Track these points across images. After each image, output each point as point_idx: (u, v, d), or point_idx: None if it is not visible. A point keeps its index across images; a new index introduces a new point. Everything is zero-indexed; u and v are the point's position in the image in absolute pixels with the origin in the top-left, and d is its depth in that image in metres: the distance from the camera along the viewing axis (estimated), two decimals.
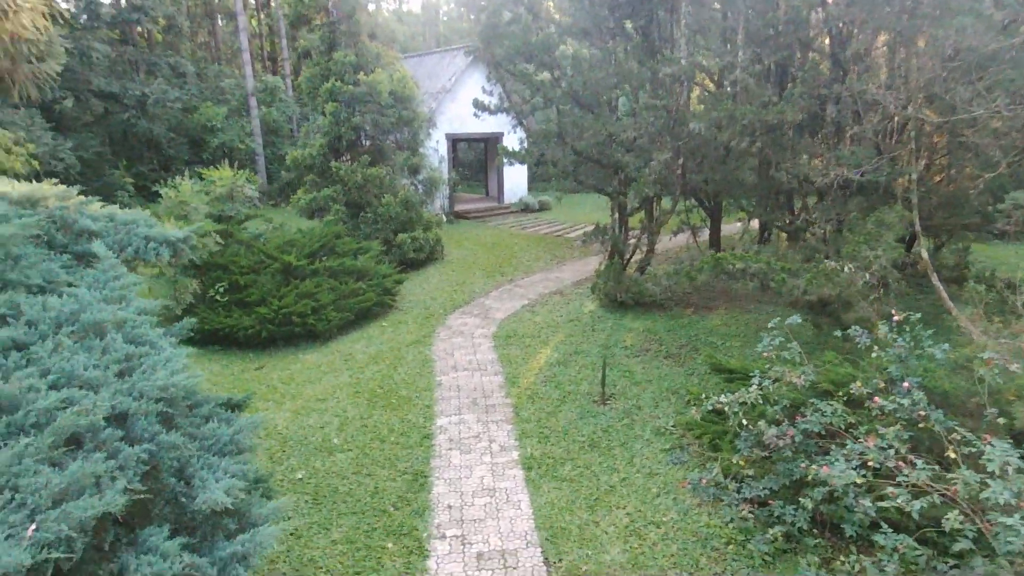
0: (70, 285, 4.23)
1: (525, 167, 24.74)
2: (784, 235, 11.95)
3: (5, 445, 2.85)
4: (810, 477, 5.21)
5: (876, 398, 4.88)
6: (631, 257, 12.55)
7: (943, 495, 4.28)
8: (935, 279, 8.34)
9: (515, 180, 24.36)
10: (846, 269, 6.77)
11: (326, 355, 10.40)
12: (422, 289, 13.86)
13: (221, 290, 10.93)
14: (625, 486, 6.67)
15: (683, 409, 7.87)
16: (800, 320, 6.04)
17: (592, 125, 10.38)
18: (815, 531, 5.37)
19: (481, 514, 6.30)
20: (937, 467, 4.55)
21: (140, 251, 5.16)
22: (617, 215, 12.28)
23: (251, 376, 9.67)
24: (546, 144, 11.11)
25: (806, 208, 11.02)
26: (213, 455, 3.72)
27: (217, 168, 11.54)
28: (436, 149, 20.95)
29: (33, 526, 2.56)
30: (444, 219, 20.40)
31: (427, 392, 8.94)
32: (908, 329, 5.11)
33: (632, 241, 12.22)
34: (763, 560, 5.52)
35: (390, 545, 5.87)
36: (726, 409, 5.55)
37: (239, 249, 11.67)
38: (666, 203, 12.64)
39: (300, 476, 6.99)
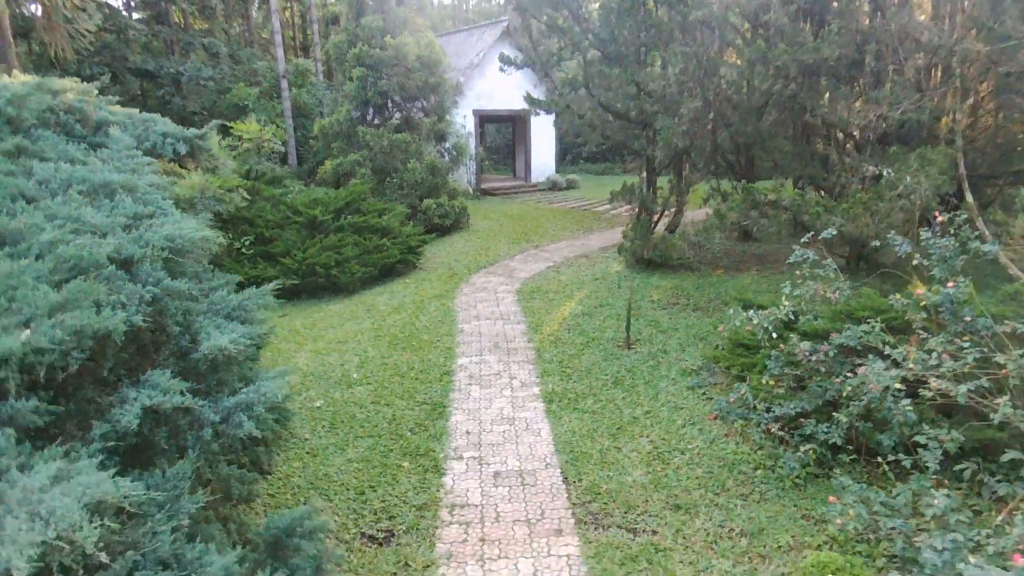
0: (84, 164, 4.20)
1: (553, 147, 24.55)
2: (821, 193, 11.55)
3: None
4: (845, 393, 4.94)
5: (918, 290, 4.58)
6: (659, 218, 12.27)
7: (991, 377, 3.98)
8: (980, 223, 7.92)
9: (542, 160, 24.16)
10: (886, 197, 6.43)
11: (349, 306, 10.36)
12: (446, 252, 13.77)
13: (247, 243, 10.98)
14: (649, 418, 6.45)
15: (711, 353, 7.60)
16: (835, 232, 5.74)
17: (620, 76, 10.14)
18: (849, 448, 5.08)
19: (500, 439, 6.15)
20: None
21: (157, 146, 5.14)
22: (645, 173, 12.01)
23: (274, 322, 9.65)
24: (572, 94, 10.89)
25: (843, 162, 10.62)
26: (221, 317, 3.63)
27: (243, 122, 11.61)
28: (464, 125, 20.87)
29: (28, 330, 2.49)
30: (471, 191, 20.33)
31: (448, 337, 8.83)
32: (953, 231, 4.79)
33: (660, 201, 11.93)
34: (793, 483, 5.25)
35: (406, 464, 5.76)
36: (755, 326, 5.29)
37: (265, 206, 11.71)
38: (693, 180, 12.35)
39: (319, 405, 6.92)
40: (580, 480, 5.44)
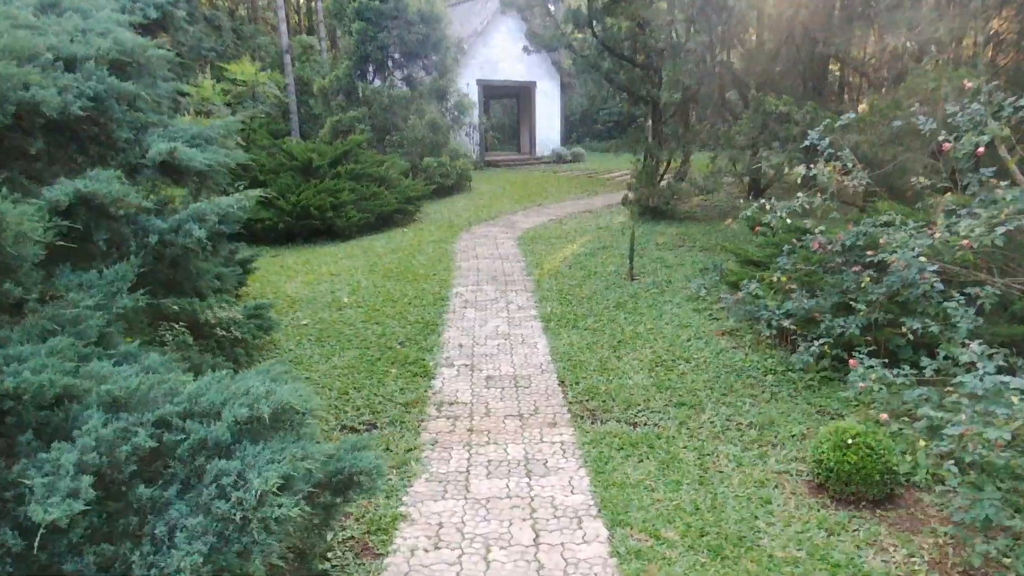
0: None
1: (558, 123, 24.18)
2: None
3: None
4: (863, 285, 4.57)
5: (945, 144, 4.21)
6: (666, 168, 11.90)
7: None
8: (1003, 150, 7.51)
9: (547, 135, 23.78)
10: (905, 106, 6.04)
11: (344, 248, 10.05)
12: (447, 209, 13.44)
13: (240, 188, 10.65)
14: (652, 333, 6.11)
15: (718, 285, 7.24)
16: (854, 116, 5.37)
17: (624, 11, 9.78)
18: (867, 344, 4.71)
19: (494, 351, 5.82)
20: None
21: (125, 8, 4.81)
22: (650, 120, 11.63)
23: (265, 262, 9.36)
24: (574, 30, 10.53)
25: (856, 107, 10.21)
26: (182, 142, 3.31)
27: (238, 63, 11.31)
28: (467, 94, 20.52)
29: None
30: (474, 159, 19.99)
31: (445, 272, 8.50)
32: (984, 100, 4.42)
33: (666, 151, 11.56)
34: (806, 385, 4.90)
35: (394, 371, 5.43)
36: (771, 213, 4.92)
37: (261, 153, 11.42)
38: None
39: (306, 323, 6.61)
40: (577, 383, 5.10)
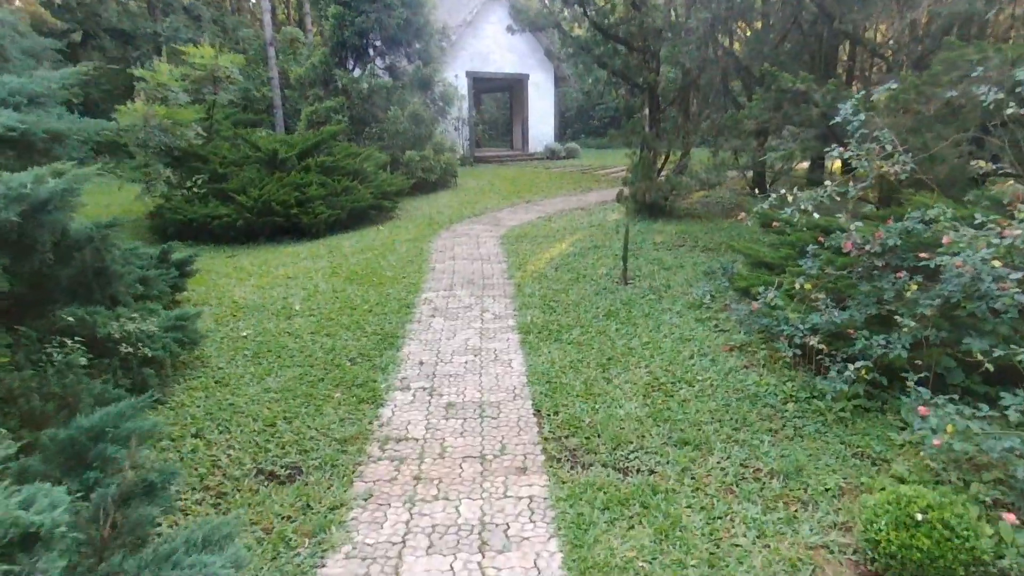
0: None
1: (552, 118, 23.23)
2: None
3: None
4: (910, 293, 3.66)
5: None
6: (665, 161, 10.98)
7: None
8: None
9: (541, 130, 22.84)
10: (944, 82, 5.15)
11: (309, 247, 9.11)
12: (429, 206, 12.52)
13: (199, 182, 9.74)
14: (648, 348, 5.18)
15: (723, 290, 6.31)
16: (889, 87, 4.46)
17: None
18: (914, 370, 3.79)
19: (460, 371, 4.89)
20: None
21: None
22: (648, 110, 10.72)
23: (220, 263, 8.43)
24: (563, 7, 9.61)
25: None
26: None
27: (197, 46, 10.35)
28: (453, 84, 19.60)
29: None
30: (462, 155, 19.09)
31: (416, 274, 7.57)
32: None
33: (664, 143, 10.64)
34: (837, 417, 3.98)
35: (337, 395, 4.51)
36: (791, 206, 4.01)
37: (223, 144, 10.48)
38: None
39: (245, 335, 5.67)
40: (556, 413, 4.18)
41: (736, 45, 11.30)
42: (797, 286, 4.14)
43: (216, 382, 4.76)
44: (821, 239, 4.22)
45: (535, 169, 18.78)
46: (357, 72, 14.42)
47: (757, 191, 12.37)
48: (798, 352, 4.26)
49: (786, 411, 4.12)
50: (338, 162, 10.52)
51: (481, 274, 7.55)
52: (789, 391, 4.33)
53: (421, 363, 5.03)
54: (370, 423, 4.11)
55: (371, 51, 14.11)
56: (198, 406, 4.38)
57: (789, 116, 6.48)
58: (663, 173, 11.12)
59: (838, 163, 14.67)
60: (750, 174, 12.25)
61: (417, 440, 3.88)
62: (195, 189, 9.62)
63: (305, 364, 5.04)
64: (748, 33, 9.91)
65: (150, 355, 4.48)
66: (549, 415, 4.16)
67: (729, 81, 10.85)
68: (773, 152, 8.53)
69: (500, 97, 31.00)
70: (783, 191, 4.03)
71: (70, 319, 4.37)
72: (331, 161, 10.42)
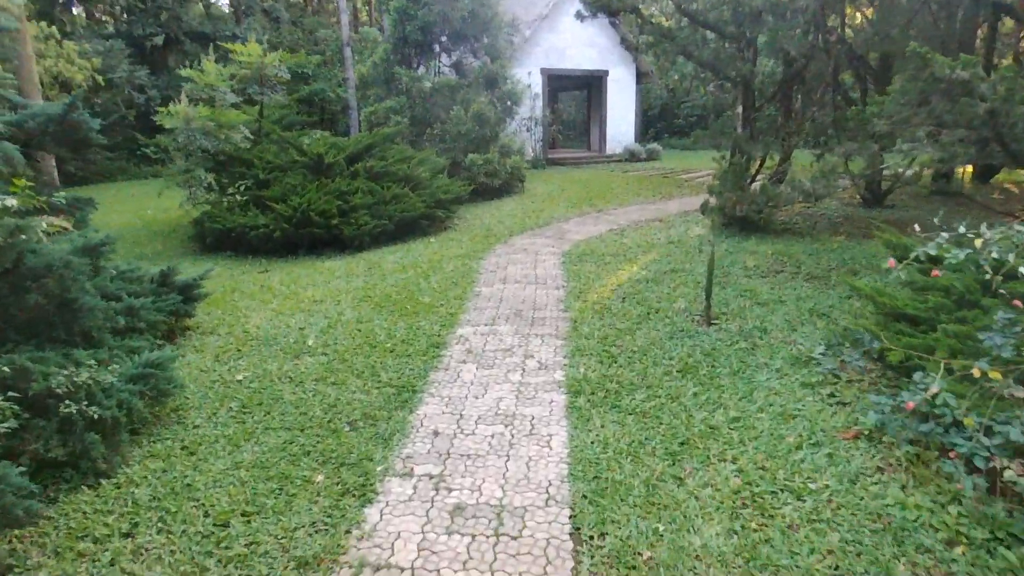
0: None
1: (633, 117, 21.68)
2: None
3: None
4: None
5: None
6: (759, 167, 9.43)
7: None
8: None
9: (620, 129, 21.36)
10: None
11: (348, 263, 8.25)
12: (489, 214, 11.46)
13: (242, 188, 9.10)
14: (737, 428, 3.85)
15: (835, 336, 4.84)
16: None
17: None
18: None
19: (482, 448, 3.74)
20: None
21: None
22: (741, 107, 9.19)
23: (250, 278, 7.69)
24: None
25: None
26: None
27: (244, 43, 9.74)
28: (522, 81, 18.50)
29: None
30: (534, 157, 17.99)
31: (456, 301, 6.50)
32: None
33: (760, 145, 9.08)
34: None
35: (320, 478, 3.47)
36: (970, 255, 2.61)
37: (271, 147, 9.83)
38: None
39: (240, 378, 4.77)
40: (603, 535, 2.96)
41: (848, 32, 9.57)
42: (976, 373, 2.72)
43: (183, 448, 3.84)
44: (1015, 299, 2.78)
45: (611, 172, 17.39)
46: (422, 71, 13.57)
47: (866, 203, 10.57)
48: (981, 482, 2.83)
49: (954, 562, 2.71)
50: (389, 167, 9.64)
51: (533, 303, 6.38)
52: (955, 523, 2.91)
53: (436, 433, 3.92)
54: (347, 532, 3.04)
55: (435, 47, 13.22)
56: (149, 484, 3.47)
57: (936, 113, 4.91)
58: (756, 180, 9.56)
59: (968, 169, 12.45)
60: (860, 182, 10.44)
61: (402, 572, 2.77)
62: (237, 196, 8.98)
63: (296, 426, 4.05)
64: (859, 19, 8.24)
65: (99, 417, 3.60)
66: (592, 538, 2.95)
67: (840, 73, 9.16)
68: (898, 158, 6.88)
69: (578, 95, 29.69)
70: (962, 229, 2.62)
71: (5, 369, 3.56)
72: (381, 166, 9.54)
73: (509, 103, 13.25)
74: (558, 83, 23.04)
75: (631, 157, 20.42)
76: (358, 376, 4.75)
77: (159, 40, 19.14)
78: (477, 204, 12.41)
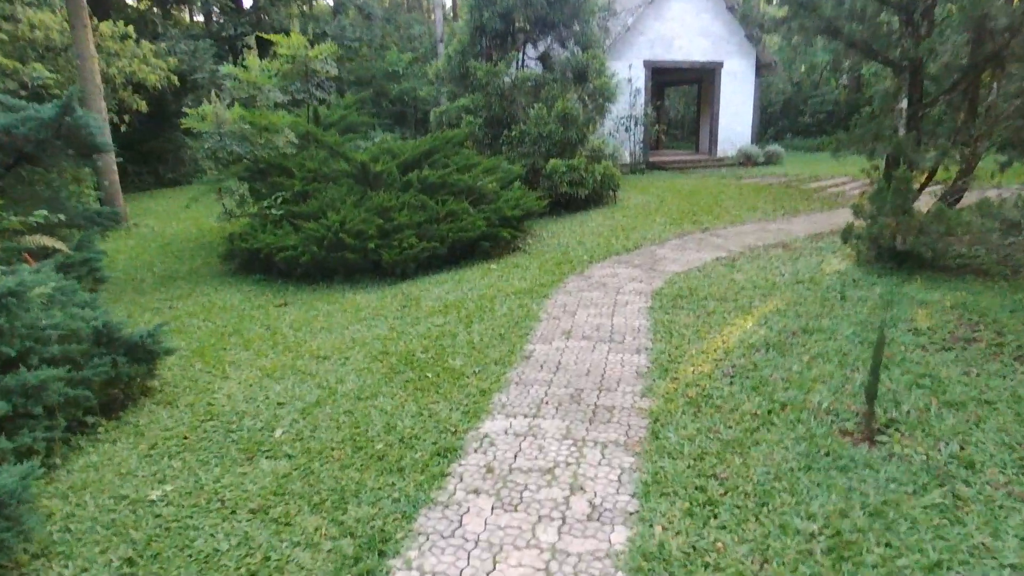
0: None
1: (750, 114, 18.99)
2: None
3: None
4: None
5: None
6: (925, 183, 7.04)
7: None
8: None
9: (735, 129, 18.75)
10: None
11: (381, 297, 6.78)
12: (570, 232, 9.67)
13: (279, 201, 7.91)
14: None
15: None
16: None
17: None
18: None
19: None
20: None
21: None
22: (907, 101, 6.84)
23: (262, 315, 6.40)
24: None
25: None
26: None
27: (287, 35, 8.55)
28: (630, 79, 16.48)
29: None
30: (634, 161, 16.00)
31: (498, 367, 4.81)
32: None
33: (931, 153, 6.69)
34: None
35: None
36: None
37: (319, 153, 8.59)
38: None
39: (156, 497, 3.34)
40: None
41: None
42: None
43: None
44: None
45: (722, 179, 15.03)
46: (505, 66, 11.98)
47: None
48: None
49: None
50: (447, 177, 8.10)
51: (600, 378, 4.57)
52: None
53: None
54: None
55: (522, 36, 11.57)
56: None
57: None
58: (923, 197, 7.16)
59: None
60: None
61: None
62: (273, 210, 7.78)
63: None
64: None
65: None
66: None
67: None
68: None
69: (688, 91, 27.11)
70: None
71: None
72: (436, 176, 8.02)
73: (601, 100, 11.36)
74: (665, 77, 20.76)
75: (746, 160, 17.84)
76: (314, 509, 3.17)
77: (251, 40, 18.83)
78: (558, 219, 10.66)
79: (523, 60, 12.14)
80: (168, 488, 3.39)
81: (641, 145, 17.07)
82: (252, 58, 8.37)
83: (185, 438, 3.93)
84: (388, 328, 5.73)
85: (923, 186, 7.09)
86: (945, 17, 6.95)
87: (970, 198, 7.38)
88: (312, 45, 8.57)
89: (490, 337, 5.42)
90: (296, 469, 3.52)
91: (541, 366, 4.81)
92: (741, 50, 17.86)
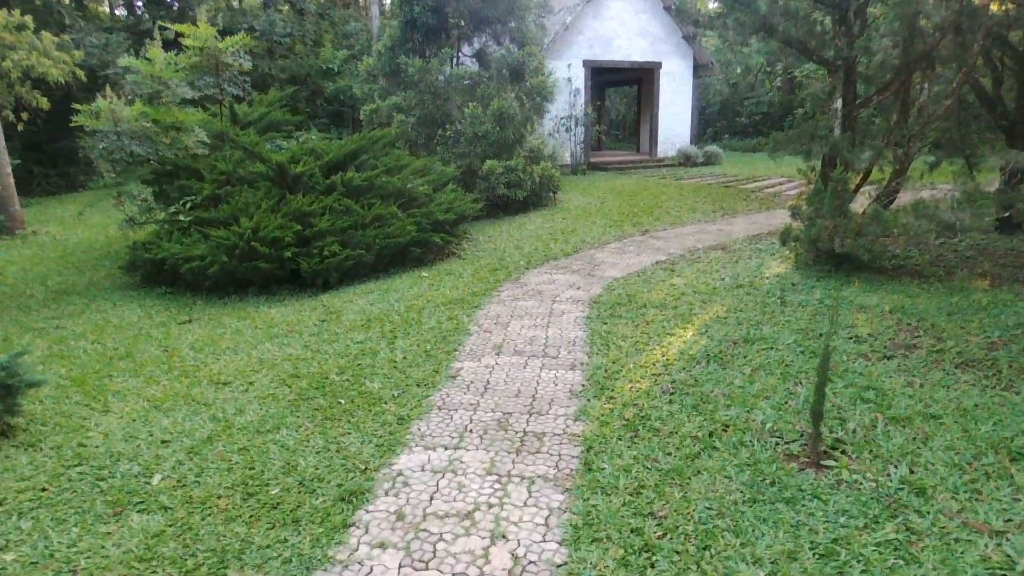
0: None
1: (689, 115, 19.08)
2: None
3: None
4: None
5: None
6: (861, 182, 6.98)
7: None
8: None
9: (674, 130, 18.80)
10: None
11: (302, 310, 6.23)
12: (507, 236, 9.30)
13: (188, 206, 7.23)
14: None
15: None
16: None
17: None
18: None
19: None
20: None
21: None
22: (840, 101, 6.75)
23: (162, 333, 5.76)
24: None
25: None
26: None
27: (196, 26, 7.88)
28: (570, 79, 16.26)
29: None
30: (571, 158, 15.80)
31: (420, 389, 4.37)
32: None
33: (866, 153, 6.61)
34: None
35: None
36: None
37: (232, 153, 7.93)
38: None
39: None
40: None
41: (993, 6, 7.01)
42: None
43: None
44: None
45: (662, 179, 14.97)
46: (444, 63, 11.50)
47: (1001, 226, 7.99)
48: None
49: None
50: (373, 179, 7.59)
51: (530, 401, 4.19)
52: None
53: None
54: None
55: (455, 32, 11.13)
56: None
57: None
58: (858, 198, 7.10)
59: None
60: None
61: None
62: (181, 216, 7.10)
63: None
64: None
65: None
66: None
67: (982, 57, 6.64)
68: None
69: (629, 92, 27.21)
70: None
71: None
72: (362, 179, 7.50)
73: (539, 99, 11.03)
74: (605, 77, 20.71)
75: (686, 161, 17.91)
76: None
77: (169, 35, 17.68)
78: (495, 222, 10.28)
79: (459, 58, 11.70)
80: (9, 557, 2.81)
81: (582, 146, 16.88)
82: (155, 50, 7.64)
83: (43, 490, 3.34)
84: (302, 346, 5.21)
85: (858, 187, 7.02)
86: (877, 17, 6.90)
87: (902, 198, 7.38)
88: (223, 37, 7.90)
89: (414, 354, 4.97)
90: (172, 525, 3.00)
91: (468, 387, 4.39)
92: (679, 50, 17.91)
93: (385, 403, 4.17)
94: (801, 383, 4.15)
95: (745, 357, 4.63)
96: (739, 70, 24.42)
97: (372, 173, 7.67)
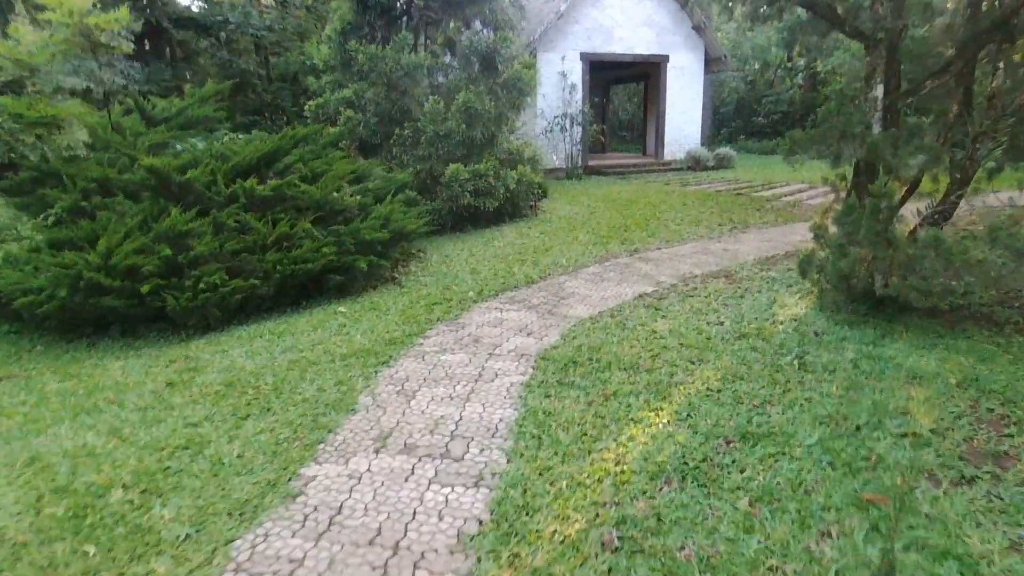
0: None
1: (700, 114, 17.36)
2: None
3: None
4: None
5: None
6: (906, 196, 5.31)
7: None
8: None
9: (683, 130, 17.09)
10: None
11: (155, 364, 4.70)
12: (467, 256, 7.73)
13: (51, 221, 5.75)
14: None
15: None
16: None
17: None
18: None
19: None
20: None
21: None
22: (881, 89, 5.07)
23: None
24: None
25: None
26: None
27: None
28: (564, 73, 14.66)
29: None
30: (558, 162, 14.23)
31: (230, 524, 2.79)
32: None
33: (917, 157, 4.93)
34: None
35: None
36: None
37: (117, 157, 6.44)
38: None
39: None
40: None
41: None
42: None
43: None
44: None
45: (666, 185, 13.30)
46: (403, 50, 9.95)
47: None
48: None
49: None
50: (284, 188, 6.06)
51: (389, 555, 2.60)
52: None
53: None
54: None
55: (415, 14, 9.58)
56: None
57: None
58: (902, 215, 5.41)
59: None
60: None
61: None
62: (38, 235, 5.62)
63: None
64: None
65: None
66: None
67: None
68: None
69: (637, 89, 25.53)
70: None
71: None
72: (269, 188, 5.97)
73: (516, 93, 9.43)
74: (607, 72, 19.08)
75: (695, 164, 16.21)
76: None
77: (137, 27, 16.35)
78: (460, 236, 8.73)
79: (427, 46, 10.17)
80: None
81: (578, 147, 15.25)
82: (21, 28, 6.22)
83: None
84: (108, 431, 3.67)
85: (903, 200, 5.35)
86: None
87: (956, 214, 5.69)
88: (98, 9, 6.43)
89: (257, 450, 3.41)
90: None
91: (304, 521, 2.82)
92: (688, 42, 16.23)
93: (160, 554, 2.61)
94: (831, 535, 2.53)
95: (742, 472, 3.01)
96: (757, 65, 22.64)
97: (284, 181, 6.14)
